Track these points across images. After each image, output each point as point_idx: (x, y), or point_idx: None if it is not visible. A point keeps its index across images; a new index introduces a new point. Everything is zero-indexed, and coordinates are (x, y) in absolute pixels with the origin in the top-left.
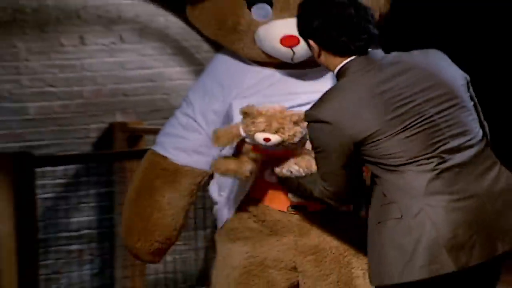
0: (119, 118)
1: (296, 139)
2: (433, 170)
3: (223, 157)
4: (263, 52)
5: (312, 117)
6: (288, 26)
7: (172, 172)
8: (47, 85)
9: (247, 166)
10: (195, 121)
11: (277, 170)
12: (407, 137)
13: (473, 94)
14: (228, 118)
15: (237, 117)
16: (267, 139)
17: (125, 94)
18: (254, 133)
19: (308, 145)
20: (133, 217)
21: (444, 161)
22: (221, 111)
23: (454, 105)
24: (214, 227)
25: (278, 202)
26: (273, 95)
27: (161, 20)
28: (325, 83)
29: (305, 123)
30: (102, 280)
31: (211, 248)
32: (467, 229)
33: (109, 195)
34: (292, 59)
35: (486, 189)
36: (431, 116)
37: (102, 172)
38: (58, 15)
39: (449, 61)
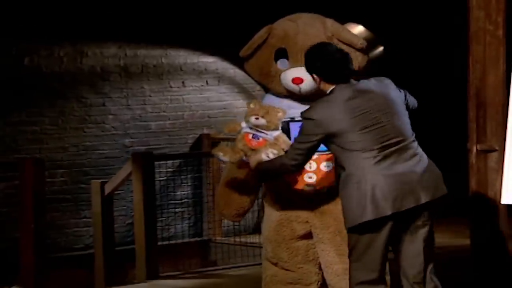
0: (205, 131)
1: (272, 126)
2: (375, 157)
3: (225, 146)
4: (285, 88)
5: (305, 115)
6: (297, 72)
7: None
8: (162, 111)
9: (237, 156)
10: None
11: (255, 157)
12: (363, 133)
13: (408, 104)
14: None
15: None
16: (257, 118)
17: (209, 116)
18: (250, 115)
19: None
20: (221, 195)
21: (383, 151)
22: None
23: (395, 114)
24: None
25: (297, 184)
26: (288, 110)
27: (231, 71)
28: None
29: (280, 123)
30: (195, 230)
31: (261, 210)
32: (397, 189)
33: (199, 178)
34: (299, 91)
35: (409, 167)
36: (381, 121)
37: (195, 164)
38: (169, 68)
39: (394, 85)
